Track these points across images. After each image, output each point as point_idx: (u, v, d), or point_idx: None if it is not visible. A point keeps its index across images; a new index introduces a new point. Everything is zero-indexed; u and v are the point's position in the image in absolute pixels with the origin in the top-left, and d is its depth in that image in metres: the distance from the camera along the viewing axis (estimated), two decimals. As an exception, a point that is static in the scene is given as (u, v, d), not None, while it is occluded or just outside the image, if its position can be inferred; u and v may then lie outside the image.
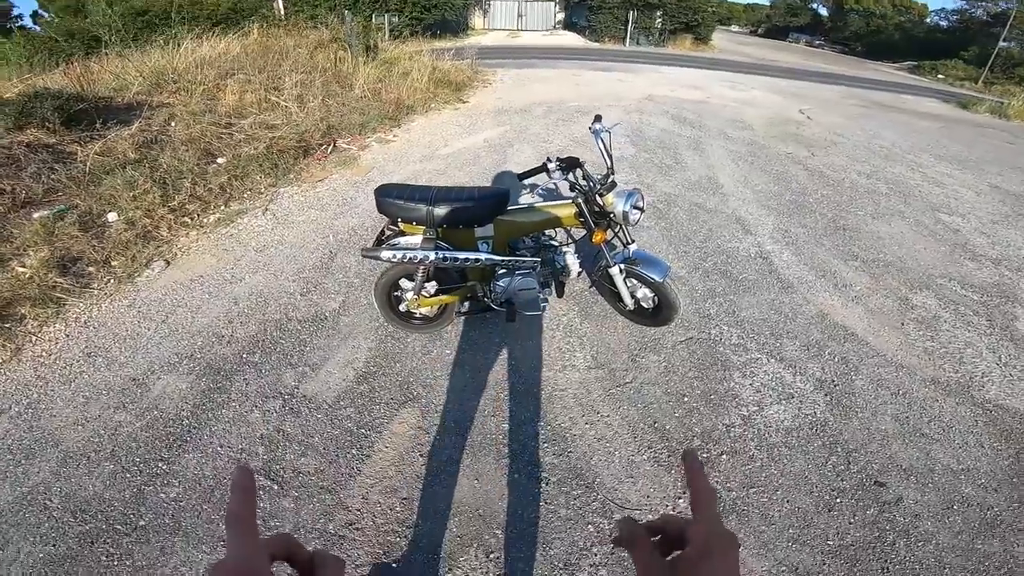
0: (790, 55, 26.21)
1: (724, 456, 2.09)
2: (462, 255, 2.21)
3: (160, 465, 1.94)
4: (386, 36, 10.92)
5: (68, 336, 2.55)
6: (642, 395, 2.36)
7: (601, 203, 2.26)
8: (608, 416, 2.24)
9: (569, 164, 2.21)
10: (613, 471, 2.00)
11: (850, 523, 1.87)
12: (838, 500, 1.95)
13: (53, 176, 3.66)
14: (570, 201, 2.29)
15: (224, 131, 4.85)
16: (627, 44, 20.00)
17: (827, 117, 9.06)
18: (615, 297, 2.70)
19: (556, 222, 2.33)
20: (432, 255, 2.16)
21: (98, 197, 3.56)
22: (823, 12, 47.30)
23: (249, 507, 0.35)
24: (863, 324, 2.98)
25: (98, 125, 4.36)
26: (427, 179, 4.62)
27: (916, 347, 2.84)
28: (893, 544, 1.83)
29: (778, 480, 2.01)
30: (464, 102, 7.57)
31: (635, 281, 2.53)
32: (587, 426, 2.19)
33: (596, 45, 19.55)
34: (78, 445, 2.00)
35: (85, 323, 2.65)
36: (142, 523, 1.75)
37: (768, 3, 55.05)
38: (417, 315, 2.56)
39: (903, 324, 3.03)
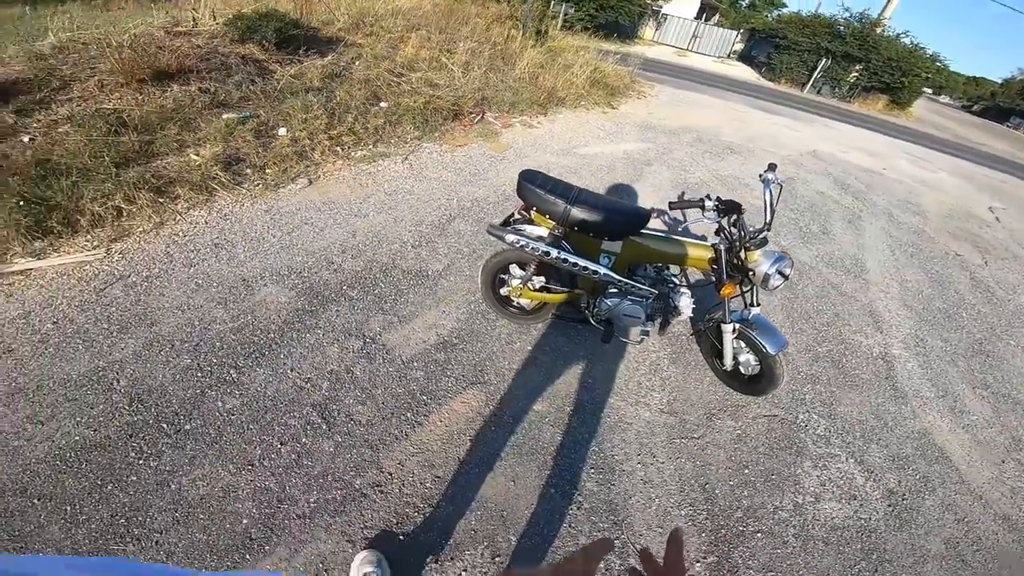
0: (1001, 141, 22.34)
1: (760, 534, 1.97)
2: (583, 263, 2.17)
3: (231, 372, 2.05)
4: (559, 25, 11.03)
5: (207, 223, 2.87)
6: (704, 454, 2.23)
7: (743, 257, 2.10)
8: (663, 463, 2.15)
9: (729, 208, 2.08)
10: (646, 517, 1.93)
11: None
12: (846, 604, 1.77)
13: (251, 87, 4.21)
14: (709, 245, 2.17)
15: (394, 79, 5.24)
16: (805, 90, 18.34)
17: (1019, 223, 7.65)
18: (714, 353, 2.54)
19: (687, 260, 2.22)
20: (554, 253, 2.14)
21: (278, 112, 4.03)
22: (1068, 100, 39.55)
23: None
24: (962, 452, 2.64)
25: (301, 52, 4.92)
26: (558, 172, 4.64)
27: (1006, 484, 2.51)
28: None
29: (799, 571, 1.89)
30: (614, 108, 7.46)
31: (743, 344, 2.36)
32: (639, 465, 2.11)
33: (770, 84, 18.18)
34: (169, 330, 2.16)
35: (225, 216, 2.97)
36: (187, 427, 1.80)
37: (999, 80, 47.39)
38: (515, 304, 2.58)
39: (1004, 461, 2.65)
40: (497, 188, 4.03)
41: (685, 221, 4.19)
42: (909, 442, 2.62)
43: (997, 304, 4.51)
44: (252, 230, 2.92)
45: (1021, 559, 2.14)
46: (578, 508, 1.90)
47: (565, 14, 12.72)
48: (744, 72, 19.30)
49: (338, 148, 3.99)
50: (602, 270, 2.19)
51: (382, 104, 4.78)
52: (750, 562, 1.88)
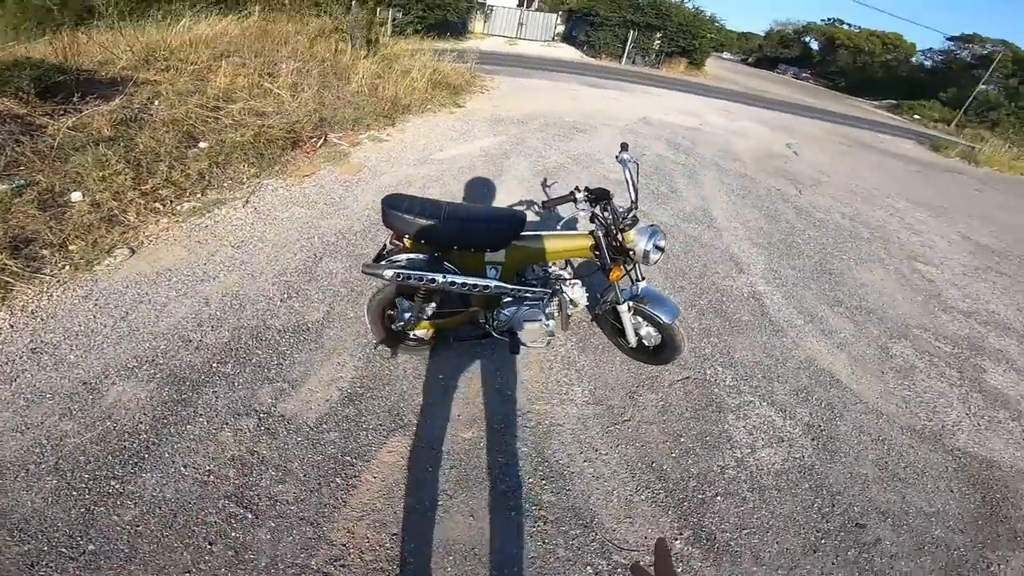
0: (777, 86, 27.04)
1: (719, 497, 2.09)
2: (471, 280, 2.07)
3: (113, 484, 1.74)
4: (388, 32, 10.68)
5: (12, 327, 2.29)
6: (640, 434, 2.31)
7: (621, 239, 2.16)
8: (606, 454, 2.18)
9: (598, 196, 2.12)
10: (611, 511, 1.95)
11: (833, 563, 1.92)
12: (823, 541, 2.00)
13: (17, 149, 3.36)
14: (587, 232, 2.21)
15: (211, 115, 4.58)
16: (623, 62, 20.22)
17: (812, 153, 9.32)
18: (616, 332, 2.63)
19: (571, 252, 2.25)
20: (439, 278, 2.01)
21: (63, 174, 3.27)
22: (814, 46, 49.15)
23: None
24: (847, 371, 3.05)
25: (75, 99, 4.05)
26: (420, 183, 4.47)
27: (895, 396, 2.93)
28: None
29: (768, 521, 2.03)
30: (461, 106, 7.44)
31: (640, 319, 2.46)
32: (585, 463, 2.12)
33: (593, 61, 19.69)
34: (14, 455, 1.77)
35: (32, 313, 2.38)
36: (91, 548, 1.56)
37: (762, 34, 57.10)
38: (412, 337, 2.40)
39: (883, 373, 3.11)
40: (359, 214, 3.75)
41: (561, 214, 4.31)
42: (802, 372, 2.96)
43: (820, 225, 5.41)
44: (74, 323, 2.36)
45: (947, 467, 2.49)
46: (544, 523, 1.86)
47: (394, 19, 12.35)
48: (569, 52, 20.63)
49: (158, 204, 3.37)
50: (492, 283, 2.12)
51: (201, 144, 4.15)
52: (723, 526, 1.97)
